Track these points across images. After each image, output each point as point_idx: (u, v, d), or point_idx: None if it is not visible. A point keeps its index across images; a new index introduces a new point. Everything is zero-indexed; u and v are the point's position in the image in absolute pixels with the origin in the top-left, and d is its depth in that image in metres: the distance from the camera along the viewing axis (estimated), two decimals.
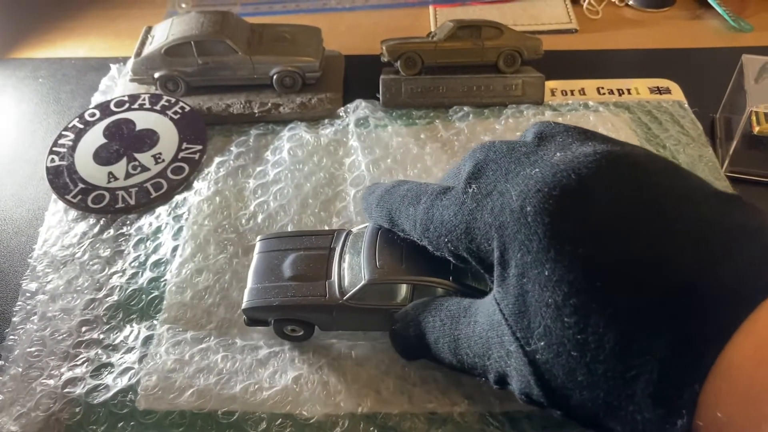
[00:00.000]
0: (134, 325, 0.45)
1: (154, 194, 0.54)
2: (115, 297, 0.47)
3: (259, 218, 0.51)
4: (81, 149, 0.58)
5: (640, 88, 0.62)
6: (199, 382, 0.41)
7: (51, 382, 0.42)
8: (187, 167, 0.56)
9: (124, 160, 0.56)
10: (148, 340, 0.44)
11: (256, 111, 0.61)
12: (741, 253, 0.26)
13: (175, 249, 0.49)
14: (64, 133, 0.59)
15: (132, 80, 0.64)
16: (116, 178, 0.55)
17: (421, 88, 0.61)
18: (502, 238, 0.30)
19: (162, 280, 0.48)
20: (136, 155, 0.57)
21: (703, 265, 0.25)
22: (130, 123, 0.60)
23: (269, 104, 0.62)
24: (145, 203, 0.54)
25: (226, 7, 0.80)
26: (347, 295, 0.39)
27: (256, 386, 0.41)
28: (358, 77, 0.66)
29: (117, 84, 0.67)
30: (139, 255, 0.50)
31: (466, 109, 0.60)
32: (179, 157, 0.57)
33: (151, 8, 0.82)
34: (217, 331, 0.44)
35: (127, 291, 0.47)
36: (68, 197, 0.54)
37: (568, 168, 0.29)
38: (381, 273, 0.39)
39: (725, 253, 0.26)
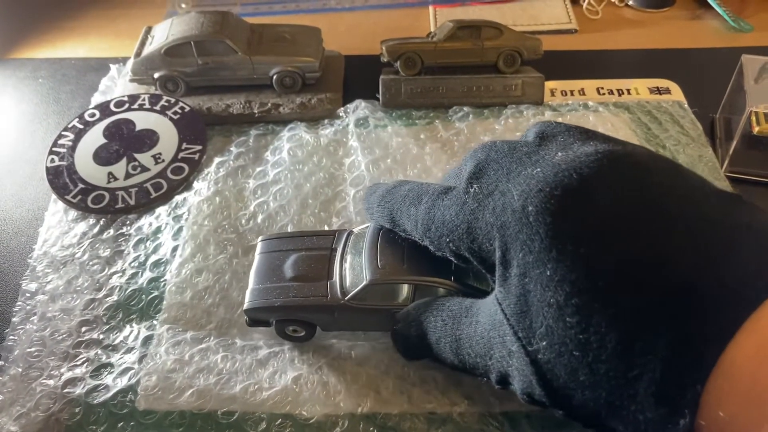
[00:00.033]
0: (134, 325, 0.45)
1: (153, 194, 0.54)
2: (114, 297, 0.47)
3: (259, 218, 0.51)
4: (81, 149, 0.58)
5: (640, 88, 0.62)
6: (199, 383, 0.41)
7: (51, 382, 0.42)
8: (186, 167, 0.56)
9: (124, 161, 0.56)
10: (147, 340, 0.44)
11: (255, 111, 0.61)
12: (742, 252, 0.26)
13: (174, 249, 0.49)
14: (63, 133, 0.59)
15: (132, 80, 0.64)
16: (116, 179, 0.55)
17: (420, 89, 0.61)
18: (504, 237, 0.30)
19: (162, 280, 0.48)
20: (136, 155, 0.57)
21: (704, 265, 0.25)
22: (129, 123, 0.60)
23: (269, 104, 0.62)
24: (145, 203, 0.53)
25: (226, 7, 0.80)
26: (349, 296, 0.39)
27: (256, 386, 0.41)
28: (358, 77, 0.66)
29: (117, 84, 0.67)
30: (139, 255, 0.50)
31: (465, 109, 0.60)
32: (179, 157, 0.57)
33: (151, 8, 0.82)
34: (217, 331, 0.44)
35: (127, 291, 0.47)
36: (68, 197, 0.54)
37: (569, 168, 0.29)
38: (382, 273, 0.39)
39: (727, 252, 0.26)
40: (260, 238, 0.46)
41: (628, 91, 0.62)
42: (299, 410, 0.39)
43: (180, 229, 0.51)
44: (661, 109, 0.60)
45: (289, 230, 0.50)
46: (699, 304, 0.24)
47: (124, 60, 0.69)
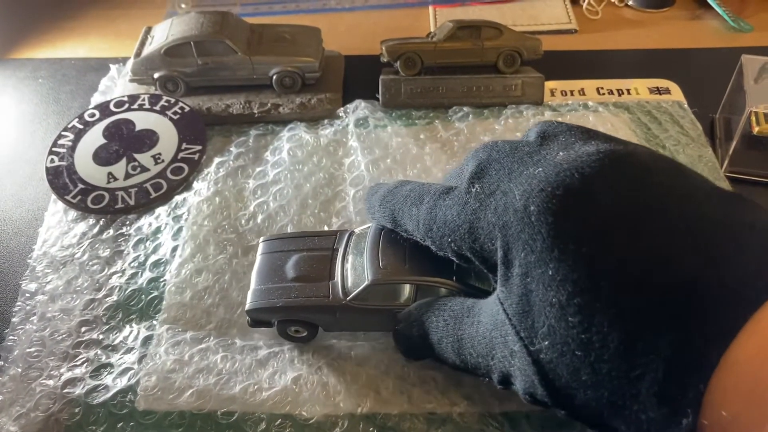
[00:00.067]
0: (134, 325, 0.45)
1: (153, 194, 0.54)
2: (114, 297, 0.47)
3: (259, 219, 0.51)
4: (80, 150, 0.58)
5: (640, 88, 0.62)
6: (199, 383, 0.41)
7: (50, 382, 0.42)
8: (186, 167, 0.56)
9: (124, 161, 0.56)
10: (147, 340, 0.44)
11: (255, 111, 0.61)
12: (744, 252, 0.26)
13: (174, 249, 0.49)
14: (63, 133, 0.59)
15: (131, 80, 0.64)
16: (116, 179, 0.55)
17: (420, 89, 0.61)
18: (506, 237, 0.30)
19: (161, 280, 0.48)
20: (136, 155, 0.57)
21: (705, 265, 0.25)
22: (129, 123, 0.60)
23: (269, 104, 0.62)
24: (145, 204, 0.53)
25: (225, 7, 0.80)
26: (350, 296, 0.39)
27: (256, 387, 0.40)
28: (358, 77, 0.66)
29: (117, 84, 0.67)
30: (139, 255, 0.50)
31: (465, 109, 0.60)
32: (179, 157, 0.57)
33: (150, 8, 0.81)
34: (217, 331, 0.44)
35: (127, 291, 0.47)
36: (68, 198, 0.54)
37: (571, 167, 0.29)
38: (384, 273, 0.39)
39: (728, 252, 0.26)
40: (261, 239, 0.46)
41: (628, 91, 0.62)
42: (299, 410, 0.39)
43: (180, 230, 0.51)
44: (661, 109, 0.60)
45: (289, 230, 0.50)
46: (700, 303, 0.24)
47: (124, 60, 0.69)
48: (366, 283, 0.39)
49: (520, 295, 0.29)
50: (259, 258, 0.44)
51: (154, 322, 0.45)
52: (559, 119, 0.57)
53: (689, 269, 0.25)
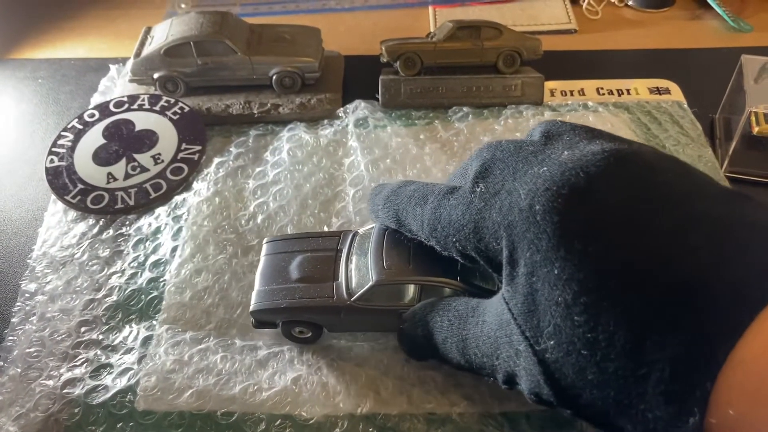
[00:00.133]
0: (133, 325, 0.45)
1: (153, 195, 0.54)
2: (114, 297, 0.47)
3: (259, 219, 0.51)
4: (80, 150, 0.57)
5: (640, 88, 0.62)
6: (198, 383, 0.41)
7: (50, 382, 0.42)
8: (186, 168, 0.56)
9: (124, 161, 0.56)
10: (147, 340, 0.44)
11: (255, 111, 0.61)
12: (749, 251, 0.26)
13: (174, 249, 0.49)
14: (63, 133, 0.59)
15: (131, 81, 0.63)
16: (115, 179, 0.55)
17: (420, 89, 0.61)
18: (511, 237, 0.30)
19: (161, 280, 0.47)
20: (136, 156, 0.57)
21: (711, 264, 0.25)
22: (129, 123, 0.60)
23: (268, 105, 0.61)
24: (145, 204, 0.53)
25: (225, 7, 0.80)
26: (355, 297, 0.39)
27: (256, 387, 0.40)
28: (358, 78, 0.66)
29: (116, 84, 0.67)
30: (139, 255, 0.49)
31: (465, 109, 0.60)
32: (178, 157, 0.56)
33: (150, 8, 0.81)
34: (217, 331, 0.44)
35: (127, 291, 0.47)
36: (67, 198, 0.54)
37: (576, 166, 0.29)
38: (388, 274, 0.39)
39: (734, 250, 0.26)
40: (265, 240, 0.46)
41: (628, 91, 0.62)
42: (299, 411, 0.39)
43: (179, 230, 0.50)
44: (661, 109, 0.60)
45: (288, 230, 0.50)
46: (707, 302, 0.24)
47: (124, 60, 0.69)
48: (370, 283, 0.39)
49: (526, 294, 0.29)
50: (263, 259, 0.44)
51: (154, 322, 0.45)
52: (559, 119, 0.57)
53: (695, 268, 0.25)
